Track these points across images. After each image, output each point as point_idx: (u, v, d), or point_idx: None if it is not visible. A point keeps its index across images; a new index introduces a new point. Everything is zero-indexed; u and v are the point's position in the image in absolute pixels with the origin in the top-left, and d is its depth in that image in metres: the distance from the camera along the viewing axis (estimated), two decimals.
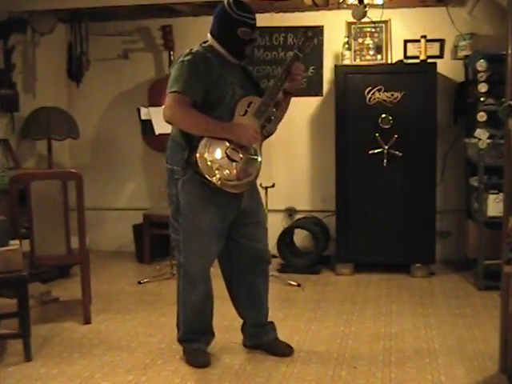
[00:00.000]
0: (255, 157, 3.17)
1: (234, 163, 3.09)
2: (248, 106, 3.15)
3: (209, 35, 3.20)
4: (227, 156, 3.08)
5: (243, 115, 3.13)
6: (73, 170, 4.19)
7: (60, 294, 4.56)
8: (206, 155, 3.04)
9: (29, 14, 5.30)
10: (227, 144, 3.09)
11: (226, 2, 3.13)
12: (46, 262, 4.04)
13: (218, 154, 3.07)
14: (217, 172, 3.05)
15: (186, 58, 3.08)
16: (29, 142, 5.44)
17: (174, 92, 3.05)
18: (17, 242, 3.43)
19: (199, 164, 3.03)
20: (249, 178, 3.14)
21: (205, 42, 3.22)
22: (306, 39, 3.19)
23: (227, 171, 3.07)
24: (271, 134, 3.29)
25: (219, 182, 3.05)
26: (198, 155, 3.03)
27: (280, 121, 3.31)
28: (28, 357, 3.36)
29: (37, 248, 3.81)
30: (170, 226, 3.31)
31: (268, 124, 3.21)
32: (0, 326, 3.65)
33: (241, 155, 3.11)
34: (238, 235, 3.30)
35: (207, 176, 3.03)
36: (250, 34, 3.12)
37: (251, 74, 3.36)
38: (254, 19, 3.13)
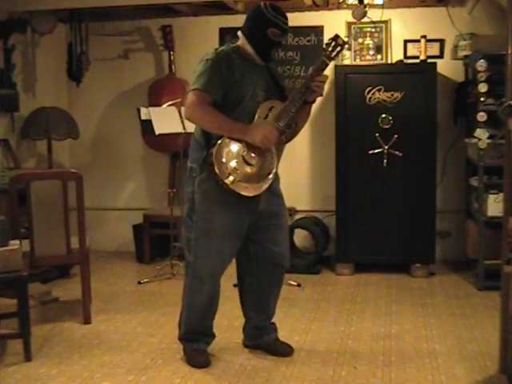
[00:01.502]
0: (271, 162, 3.14)
1: (250, 167, 3.08)
2: (270, 110, 3.13)
3: (239, 33, 3.20)
4: (243, 159, 3.07)
5: (264, 119, 3.11)
6: (73, 170, 4.18)
7: (60, 294, 4.56)
8: (222, 156, 3.04)
9: (29, 14, 5.31)
10: (244, 147, 3.07)
11: (262, 3, 3.14)
12: (46, 262, 4.04)
13: (234, 156, 3.06)
14: (231, 174, 3.03)
15: (210, 57, 3.09)
16: (29, 142, 5.44)
17: (196, 89, 3.05)
18: (17, 242, 3.42)
19: (215, 164, 3.02)
20: (263, 182, 3.11)
21: (233, 42, 3.23)
22: (336, 46, 3.16)
23: (241, 174, 3.05)
24: (290, 140, 3.27)
25: (233, 185, 3.03)
26: (214, 156, 3.03)
27: (301, 128, 3.30)
28: (28, 357, 3.36)
29: (37, 248, 3.81)
30: (184, 224, 3.29)
31: (288, 130, 3.18)
32: (0, 326, 3.65)
33: (257, 159, 3.09)
34: (256, 238, 3.28)
35: (221, 177, 3.03)
36: (279, 36, 3.12)
37: (278, 78, 3.32)
38: (286, 24, 3.14)
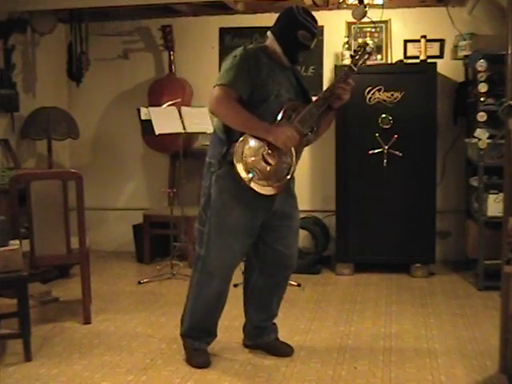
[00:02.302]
0: (290, 163, 3.14)
1: (269, 166, 3.08)
2: (293, 111, 3.13)
3: (268, 33, 3.21)
4: (263, 158, 3.07)
5: (287, 120, 3.11)
6: (73, 170, 4.18)
7: (60, 294, 4.56)
8: (242, 153, 3.04)
9: (29, 14, 5.31)
10: (265, 146, 3.07)
11: (294, 5, 3.15)
12: (46, 262, 4.03)
13: (255, 154, 3.06)
14: (250, 172, 3.04)
15: (239, 53, 3.09)
16: (29, 142, 5.44)
17: (222, 85, 3.05)
18: (17, 242, 3.42)
19: (234, 161, 3.03)
20: (280, 182, 3.12)
21: (261, 42, 3.24)
22: (363, 54, 3.15)
23: (260, 172, 3.06)
24: (310, 144, 3.29)
25: (250, 182, 3.04)
26: (234, 152, 3.04)
27: (323, 133, 3.31)
28: (28, 357, 3.36)
29: (37, 248, 3.81)
30: (198, 217, 3.30)
31: (310, 133, 3.18)
32: (0, 326, 3.65)
33: (276, 159, 3.09)
34: (267, 238, 3.28)
35: (240, 174, 3.03)
36: (308, 39, 3.14)
37: (302, 81, 3.33)
38: (316, 28, 3.16)
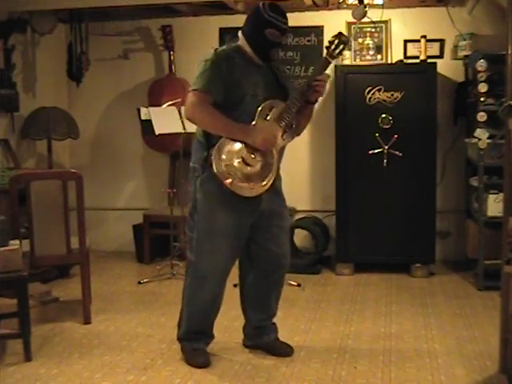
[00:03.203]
0: (272, 162, 3.12)
1: (249, 167, 3.07)
2: (270, 110, 3.12)
3: (239, 33, 3.20)
4: (243, 159, 3.06)
5: (264, 119, 3.11)
6: (73, 170, 4.18)
7: (60, 294, 4.56)
8: (221, 156, 3.04)
9: (29, 14, 5.31)
10: (244, 147, 3.07)
11: (261, 3, 3.12)
12: (46, 262, 4.04)
13: (234, 156, 3.06)
14: (230, 175, 3.03)
15: (210, 57, 3.09)
16: (29, 142, 5.44)
17: (196, 90, 3.06)
18: (17, 242, 3.42)
19: (214, 165, 3.02)
20: (263, 183, 3.10)
21: (234, 42, 3.23)
22: (339, 44, 3.11)
23: (241, 174, 3.05)
24: (291, 140, 3.24)
25: (232, 185, 3.03)
26: (213, 156, 3.03)
27: (303, 128, 3.29)
28: (28, 357, 3.36)
29: (37, 248, 3.81)
30: (187, 223, 3.31)
31: (289, 130, 3.17)
32: (0, 326, 3.65)
33: (257, 160, 3.08)
34: (258, 238, 3.28)
35: (220, 178, 3.03)
36: (277, 36, 3.10)
37: (280, 78, 3.30)
38: (286, 24, 3.11)
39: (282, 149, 3.23)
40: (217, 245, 3.16)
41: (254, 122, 3.09)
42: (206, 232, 3.16)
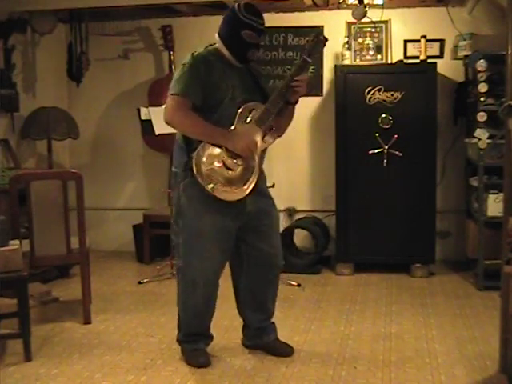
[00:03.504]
0: (253, 164, 3.10)
1: (230, 171, 3.05)
2: (249, 113, 3.10)
3: (216, 36, 3.18)
4: (223, 164, 3.05)
5: (244, 122, 3.08)
6: (73, 170, 4.18)
7: (60, 294, 4.56)
8: (202, 161, 3.02)
9: (29, 14, 5.30)
10: (224, 151, 3.05)
11: (236, 4, 3.08)
12: (46, 262, 4.04)
13: (215, 161, 3.04)
14: (212, 179, 3.02)
15: (187, 61, 3.07)
16: (29, 142, 5.44)
17: (174, 94, 3.05)
18: (17, 241, 3.42)
19: (194, 170, 3.01)
20: (244, 186, 3.08)
21: (212, 45, 3.21)
22: (317, 43, 3.10)
23: (222, 179, 3.04)
24: (272, 142, 3.21)
25: (213, 190, 3.02)
26: (194, 160, 3.02)
27: (285, 129, 3.27)
28: (28, 357, 3.36)
29: (37, 248, 3.81)
30: (171, 229, 3.30)
31: (270, 132, 3.14)
32: (0, 326, 3.65)
33: (237, 164, 3.07)
34: (249, 238, 3.26)
35: (202, 183, 3.02)
36: (254, 37, 3.07)
37: (259, 79, 3.27)
38: (262, 24, 3.08)
39: (264, 151, 3.20)
40: (204, 249, 3.15)
41: (233, 126, 3.07)
42: (193, 236, 3.15)
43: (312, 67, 5.58)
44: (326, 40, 3.15)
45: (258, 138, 3.09)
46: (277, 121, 3.16)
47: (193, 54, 3.12)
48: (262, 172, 3.26)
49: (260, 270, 3.32)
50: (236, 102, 3.09)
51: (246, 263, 3.33)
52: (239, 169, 3.08)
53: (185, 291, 3.26)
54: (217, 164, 3.04)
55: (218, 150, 3.05)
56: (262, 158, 3.20)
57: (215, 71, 3.07)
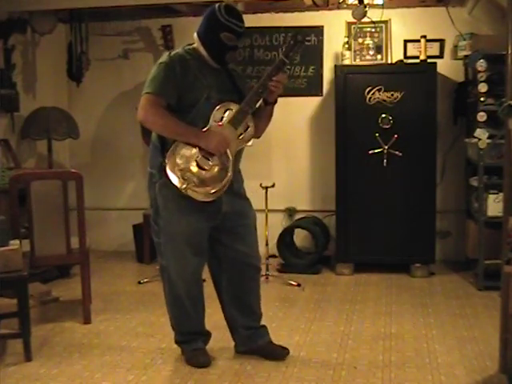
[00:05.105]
0: (227, 165, 3.07)
1: (204, 171, 3.04)
2: (224, 113, 3.08)
3: (195, 35, 3.17)
4: (197, 163, 3.04)
5: (219, 122, 3.07)
6: (73, 170, 4.18)
7: (60, 294, 4.56)
8: (175, 161, 3.01)
9: (29, 13, 5.30)
10: (198, 151, 3.03)
11: (216, 5, 3.06)
12: (46, 262, 4.04)
13: (188, 160, 3.03)
14: (185, 179, 3.00)
15: (163, 60, 3.06)
16: (29, 142, 5.44)
17: (148, 93, 3.03)
18: (17, 241, 3.42)
19: (168, 169, 3.00)
20: (218, 187, 3.06)
21: (190, 44, 3.20)
22: (294, 44, 3.07)
23: (196, 179, 3.02)
24: (248, 142, 3.18)
25: (187, 191, 3.00)
26: (167, 160, 3.01)
27: (263, 129, 3.25)
28: (28, 357, 3.36)
29: (37, 248, 3.81)
30: (152, 229, 3.29)
31: (245, 132, 3.12)
32: (0, 326, 3.65)
33: (211, 163, 3.05)
34: (225, 239, 3.25)
35: (174, 182, 3.00)
36: (233, 40, 3.06)
37: (236, 80, 3.25)
38: (241, 27, 3.06)
39: (240, 151, 3.19)
40: (181, 249, 3.15)
41: (208, 126, 3.06)
42: (170, 236, 3.15)
43: (312, 67, 5.58)
44: (304, 40, 3.14)
45: (232, 137, 3.08)
46: (255, 121, 3.15)
47: (170, 53, 3.12)
48: (239, 172, 3.25)
49: (237, 270, 3.29)
50: (211, 102, 3.07)
51: (224, 264, 3.31)
52: (213, 169, 3.06)
53: (170, 291, 3.27)
54: (190, 163, 3.03)
55: (191, 149, 3.04)
56: (238, 158, 3.19)
57: (191, 71, 3.06)
